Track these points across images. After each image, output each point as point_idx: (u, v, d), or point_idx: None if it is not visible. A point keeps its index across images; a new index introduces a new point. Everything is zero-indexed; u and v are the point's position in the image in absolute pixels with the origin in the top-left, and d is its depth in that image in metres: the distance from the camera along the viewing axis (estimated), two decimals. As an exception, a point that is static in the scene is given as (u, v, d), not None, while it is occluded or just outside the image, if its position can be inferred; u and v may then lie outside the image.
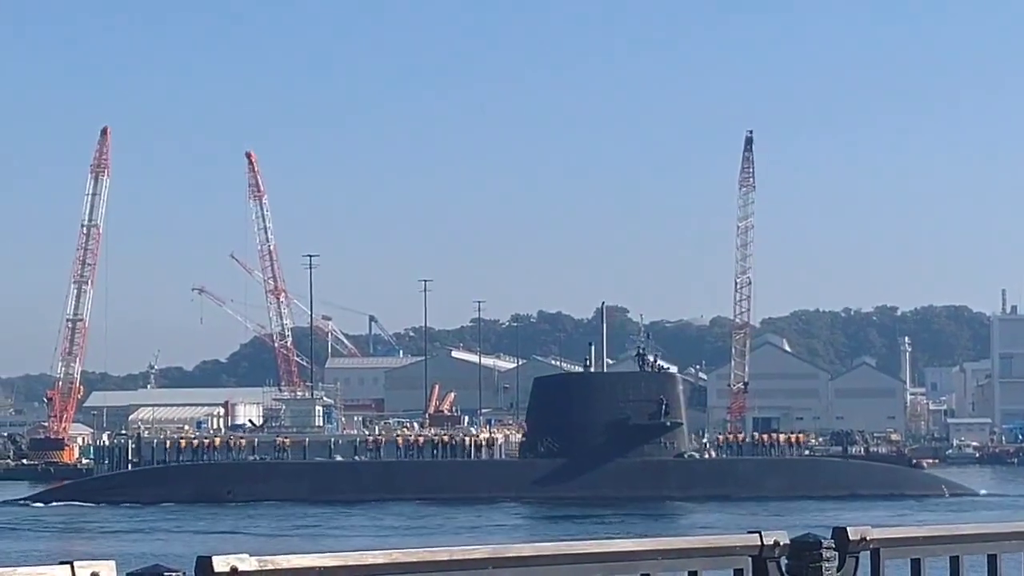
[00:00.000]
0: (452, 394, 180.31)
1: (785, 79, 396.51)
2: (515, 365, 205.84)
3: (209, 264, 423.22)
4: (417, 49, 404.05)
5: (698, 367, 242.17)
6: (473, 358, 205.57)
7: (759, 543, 8.11)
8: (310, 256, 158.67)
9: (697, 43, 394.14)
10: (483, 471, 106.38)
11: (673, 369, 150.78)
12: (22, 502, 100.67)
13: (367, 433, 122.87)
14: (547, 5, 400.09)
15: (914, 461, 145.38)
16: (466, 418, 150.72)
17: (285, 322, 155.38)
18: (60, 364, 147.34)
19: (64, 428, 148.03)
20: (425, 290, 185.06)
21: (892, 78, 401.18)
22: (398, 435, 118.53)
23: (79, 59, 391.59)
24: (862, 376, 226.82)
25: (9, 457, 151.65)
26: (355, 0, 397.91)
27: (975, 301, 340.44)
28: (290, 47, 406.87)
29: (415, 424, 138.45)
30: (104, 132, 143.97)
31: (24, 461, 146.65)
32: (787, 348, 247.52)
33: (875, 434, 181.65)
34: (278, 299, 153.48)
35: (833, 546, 8.46)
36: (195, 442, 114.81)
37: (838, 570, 8.47)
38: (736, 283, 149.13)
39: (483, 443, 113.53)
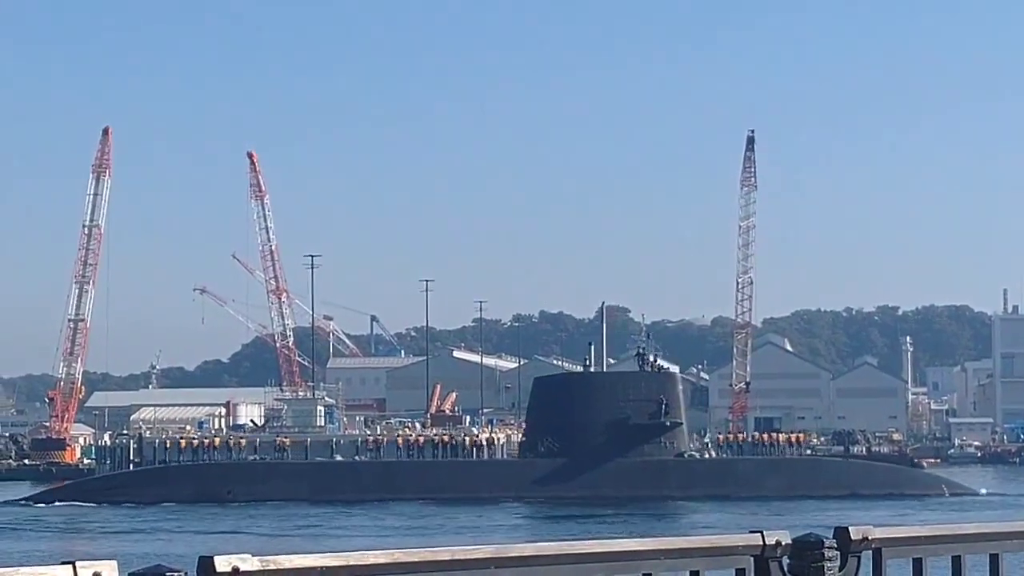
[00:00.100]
0: (454, 394, 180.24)
1: (786, 79, 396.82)
2: (517, 365, 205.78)
3: (210, 264, 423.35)
4: (418, 49, 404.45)
5: (700, 367, 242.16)
6: (475, 358, 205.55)
7: (761, 543, 8.11)
8: (312, 256, 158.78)
9: (699, 43, 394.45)
10: (483, 471, 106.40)
11: (674, 369, 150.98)
12: (23, 502, 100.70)
13: (368, 433, 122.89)
14: (547, 5, 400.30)
15: (915, 461, 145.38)
16: (468, 418, 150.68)
17: (287, 322, 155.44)
18: (62, 364, 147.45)
19: (66, 428, 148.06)
20: (427, 290, 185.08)
21: (893, 78, 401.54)
22: (399, 435, 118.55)
23: (80, 59, 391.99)
24: (864, 376, 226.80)
25: (11, 457, 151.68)
26: (356, 0, 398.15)
27: (976, 301, 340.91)
28: (291, 47, 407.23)
29: (417, 424, 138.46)
30: (105, 132, 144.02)
31: (26, 461, 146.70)
32: (789, 348, 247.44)
33: (877, 434, 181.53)
34: (279, 299, 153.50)
35: (835, 546, 8.46)
36: (195, 442, 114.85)
37: (840, 570, 8.47)
38: (738, 283, 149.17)
39: (483, 443, 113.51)
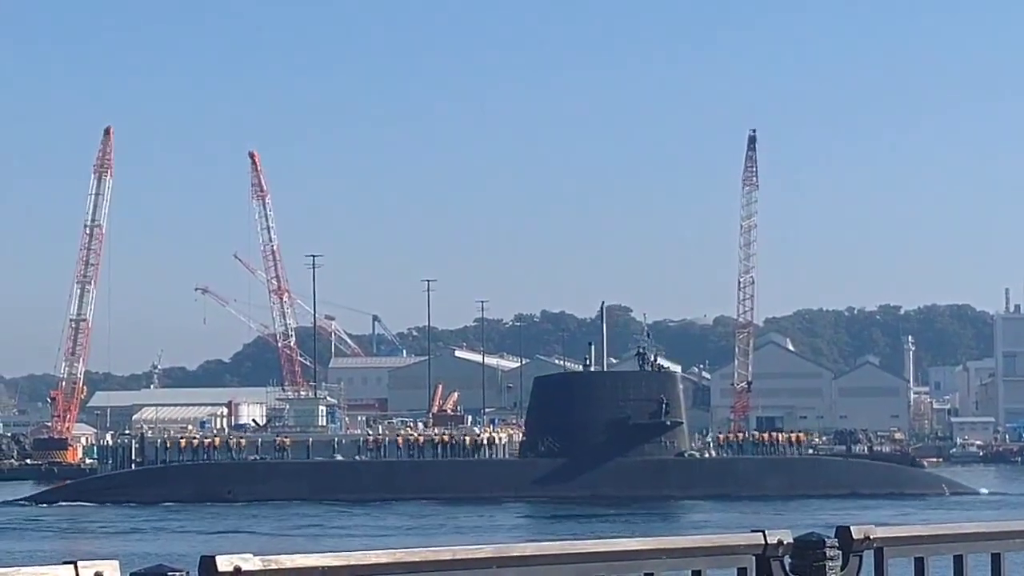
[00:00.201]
0: (455, 394, 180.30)
1: (788, 78, 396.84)
2: (518, 365, 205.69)
3: (212, 264, 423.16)
4: (418, 49, 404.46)
5: (702, 366, 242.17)
6: (476, 358, 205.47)
7: (763, 542, 8.10)
8: (313, 256, 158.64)
9: (699, 43, 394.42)
10: (483, 471, 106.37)
11: (676, 368, 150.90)
12: (23, 502, 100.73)
13: (370, 433, 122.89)
14: (547, 5, 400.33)
15: (915, 460, 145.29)
16: (469, 418, 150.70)
17: (288, 322, 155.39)
18: (63, 364, 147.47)
19: (68, 428, 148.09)
20: (428, 290, 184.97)
21: (895, 77, 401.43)
22: (399, 435, 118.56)
23: (82, 59, 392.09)
24: (866, 375, 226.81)
25: (13, 457, 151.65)
26: (356, 0, 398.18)
27: (978, 300, 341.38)
28: (293, 47, 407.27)
29: (419, 424, 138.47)
30: (107, 132, 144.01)
31: (28, 461, 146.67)
32: (790, 347, 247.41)
33: (879, 433, 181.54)
34: (281, 299, 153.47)
35: (837, 545, 8.46)
36: (195, 442, 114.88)
37: (842, 569, 8.46)
38: (739, 282, 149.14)
39: (484, 443, 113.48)
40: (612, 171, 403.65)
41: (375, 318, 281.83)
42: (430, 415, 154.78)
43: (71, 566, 5.71)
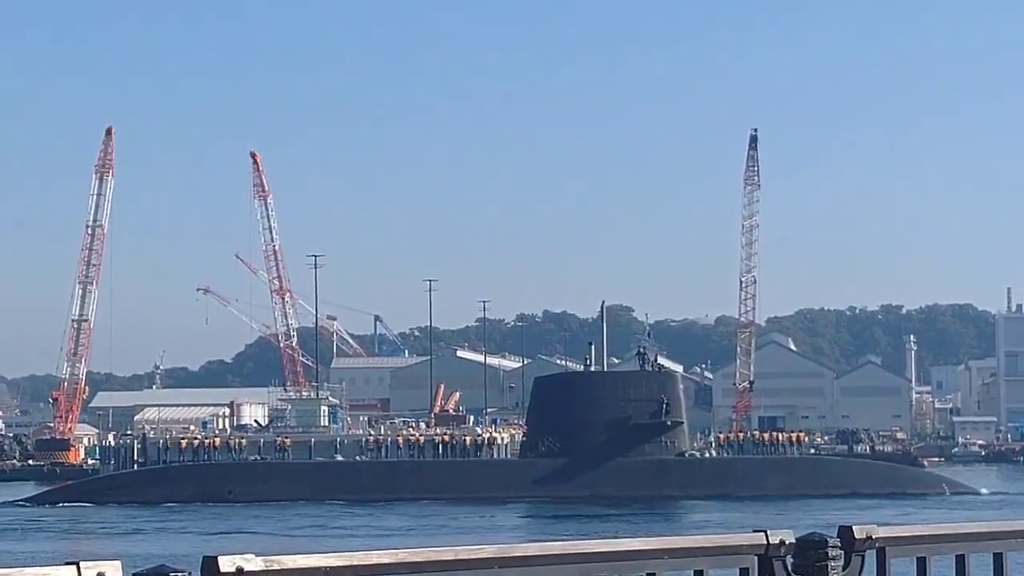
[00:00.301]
0: (457, 394, 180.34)
1: (790, 77, 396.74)
2: (520, 364, 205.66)
3: (214, 264, 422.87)
4: (419, 49, 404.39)
5: (703, 366, 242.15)
6: (478, 358, 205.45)
7: (765, 542, 8.10)
8: (315, 256, 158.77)
9: (699, 43, 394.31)
10: (484, 471, 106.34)
11: (677, 368, 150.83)
12: (25, 503, 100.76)
13: (372, 433, 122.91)
14: (547, 5, 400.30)
15: (916, 460, 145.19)
16: (471, 418, 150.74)
17: (290, 322, 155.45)
18: (65, 365, 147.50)
19: (70, 429, 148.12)
20: (430, 290, 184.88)
21: (897, 76, 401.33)
22: (401, 435, 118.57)
23: (83, 60, 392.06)
24: (867, 375, 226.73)
25: (15, 458, 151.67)
26: (356, 0, 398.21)
27: (980, 299, 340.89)
28: (295, 47, 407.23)
29: (421, 424, 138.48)
30: (108, 132, 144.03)
31: (30, 462, 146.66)
32: (792, 347, 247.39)
33: (881, 432, 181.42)
34: (283, 299, 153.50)
35: (839, 545, 8.46)
36: (195, 442, 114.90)
37: (844, 569, 8.46)
38: (741, 282, 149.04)
39: (484, 443, 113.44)
40: (613, 171, 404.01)
41: (377, 318, 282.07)
42: (432, 415, 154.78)
43: (74, 567, 5.71)
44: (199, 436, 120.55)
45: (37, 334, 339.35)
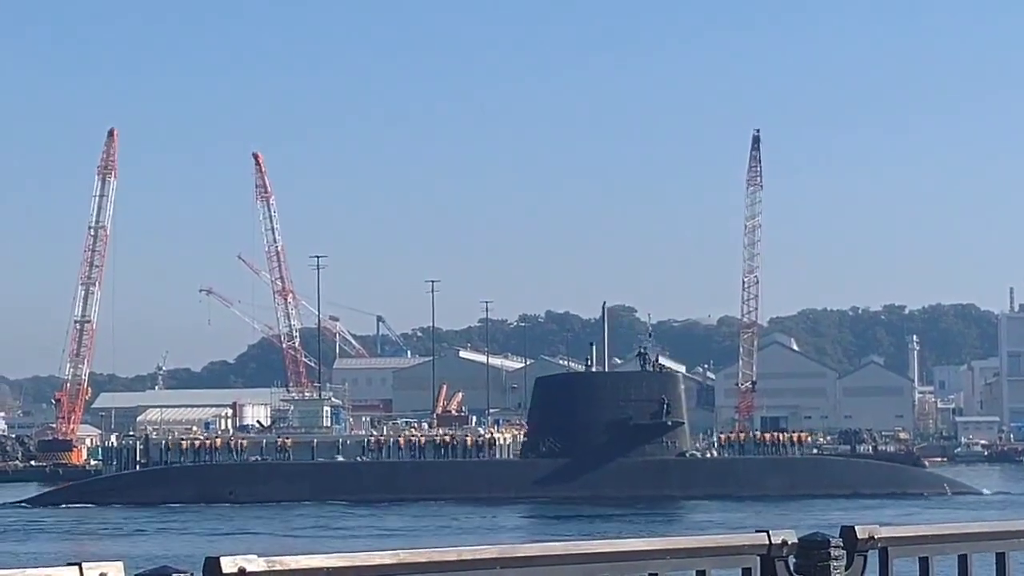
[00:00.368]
0: (460, 394, 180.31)
1: (792, 78, 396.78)
2: (523, 365, 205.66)
3: (216, 265, 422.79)
4: (422, 49, 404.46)
5: (706, 366, 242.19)
6: (481, 358, 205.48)
7: (767, 542, 8.10)
8: (318, 257, 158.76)
9: (703, 42, 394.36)
10: (485, 471, 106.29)
11: (680, 368, 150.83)
12: (27, 504, 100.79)
13: (374, 434, 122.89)
14: (547, 5, 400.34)
15: (918, 460, 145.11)
16: (474, 418, 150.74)
17: (293, 323, 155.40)
18: (68, 366, 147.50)
19: (72, 430, 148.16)
20: (433, 290, 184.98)
21: (899, 76, 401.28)
22: (402, 435, 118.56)
23: (84, 60, 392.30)
24: (870, 375, 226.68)
25: (18, 458, 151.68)
26: (360, 0, 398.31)
27: (983, 299, 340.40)
28: (296, 47, 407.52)
29: (423, 424, 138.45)
30: (111, 133, 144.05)
31: (32, 463, 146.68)
32: (795, 347, 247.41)
33: (883, 433, 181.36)
34: (286, 300, 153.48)
35: (841, 545, 8.45)
36: (196, 443, 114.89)
37: (846, 569, 8.46)
38: (744, 282, 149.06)
39: (485, 443, 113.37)
40: (616, 171, 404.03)
41: (379, 319, 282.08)
42: (434, 416, 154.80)
43: (76, 567, 5.71)
44: (201, 437, 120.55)
45: (39, 335, 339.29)
